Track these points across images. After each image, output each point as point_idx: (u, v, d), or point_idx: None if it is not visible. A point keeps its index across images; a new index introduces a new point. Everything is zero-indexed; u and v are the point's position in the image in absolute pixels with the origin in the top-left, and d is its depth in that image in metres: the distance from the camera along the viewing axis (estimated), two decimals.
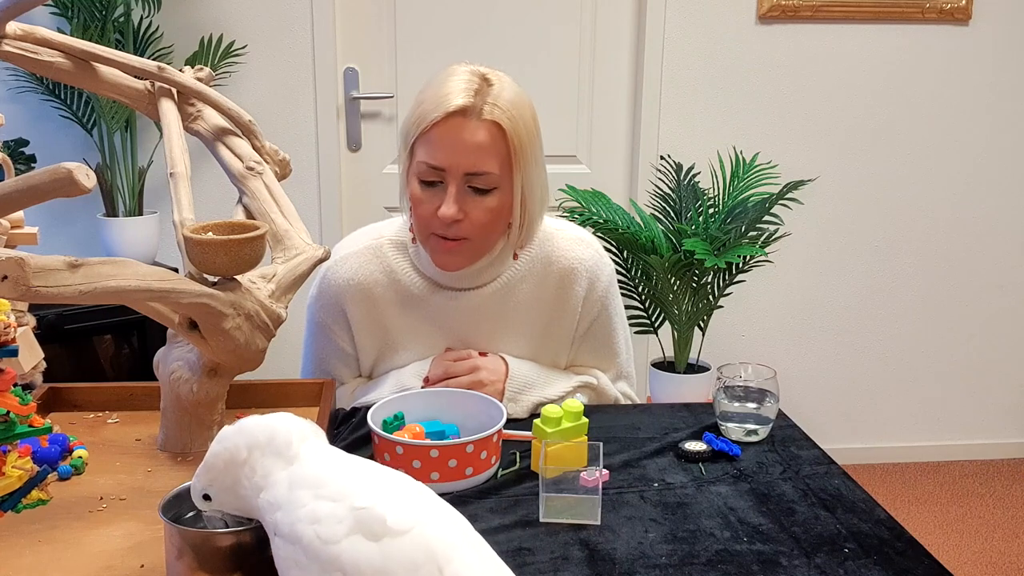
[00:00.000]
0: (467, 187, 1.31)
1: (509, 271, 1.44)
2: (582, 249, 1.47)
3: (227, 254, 1.02)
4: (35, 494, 1.04)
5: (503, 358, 1.42)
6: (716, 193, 2.58)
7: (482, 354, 1.42)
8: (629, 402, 1.55)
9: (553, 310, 1.46)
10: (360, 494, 0.75)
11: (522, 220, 1.37)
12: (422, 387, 1.39)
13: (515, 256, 1.43)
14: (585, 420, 1.19)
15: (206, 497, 0.83)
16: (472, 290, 1.43)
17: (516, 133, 1.30)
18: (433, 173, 1.31)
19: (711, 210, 2.53)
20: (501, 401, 1.33)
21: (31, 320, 1.13)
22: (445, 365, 1.40)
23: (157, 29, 2.54)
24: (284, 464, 0.79)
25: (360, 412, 1.37)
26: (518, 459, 1.23)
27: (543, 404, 1.37)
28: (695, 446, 1.26)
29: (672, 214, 2.57)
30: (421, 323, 1.44)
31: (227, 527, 0.84)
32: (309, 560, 0.72)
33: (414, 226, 1.38)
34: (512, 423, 1.32)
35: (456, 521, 0.77)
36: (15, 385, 1.03)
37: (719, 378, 1.32)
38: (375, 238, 1.46)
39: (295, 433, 0.80)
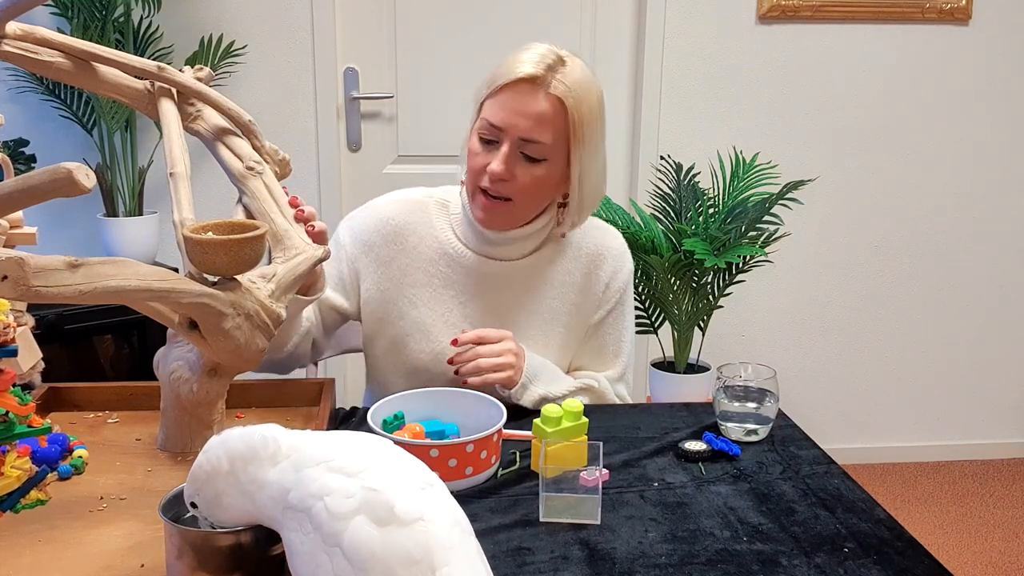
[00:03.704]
0: (519, 152, 1.36)
1: (541, 251, 1.49)
2: (611, 238, 1.55)
3: (227, 254, 1.02)
4: (34, 494, 1.04)
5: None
6: (716, 193, 2.58)
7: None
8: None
9: (576, 294, 1.50)
10: (372, 473, 0.75)
11: (579, 198, 1.43)
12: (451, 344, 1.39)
13: (562, 236, 1.49)
14: (585, 420, 1.19)
15: (193, 505, 0.83)
16: (502, 261, 1.47)
17: (578, 112, 1.36)
18: (492, 132, 1.37)
19: (711, 210, 2.53)
20: (515, 386, 1.36)
21: (29, 320, 1.13)
22: (482, 331, 1.40)
23: (157, 29, 2.55)
24: (273, 464, 0.79)
25: (360, 412, 1.37)
26: (518, 459, 1.23)
27: (546, 399, 1.39)
28: (695, 446, 1.26)
29: (672, 214, 2.57)
30: (443, 283, 1.48)
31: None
32: (314, 529, 0.73)
33: (466, 176, 1.45)
34: (512, 418, 1.32)
35: (458, 519, 0.77)
36: (14, 385, 1.03)
37: (719, 378, 1.32)
38: (424, 195, 1.53)
39: (281, 436, 0.81)
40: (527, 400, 1.39)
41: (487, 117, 1.37)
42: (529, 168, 1.37)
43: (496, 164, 1.36)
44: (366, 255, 1.49)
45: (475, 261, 1.48)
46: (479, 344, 1.37)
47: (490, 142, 1.38)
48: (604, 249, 1.52)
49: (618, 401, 1.54)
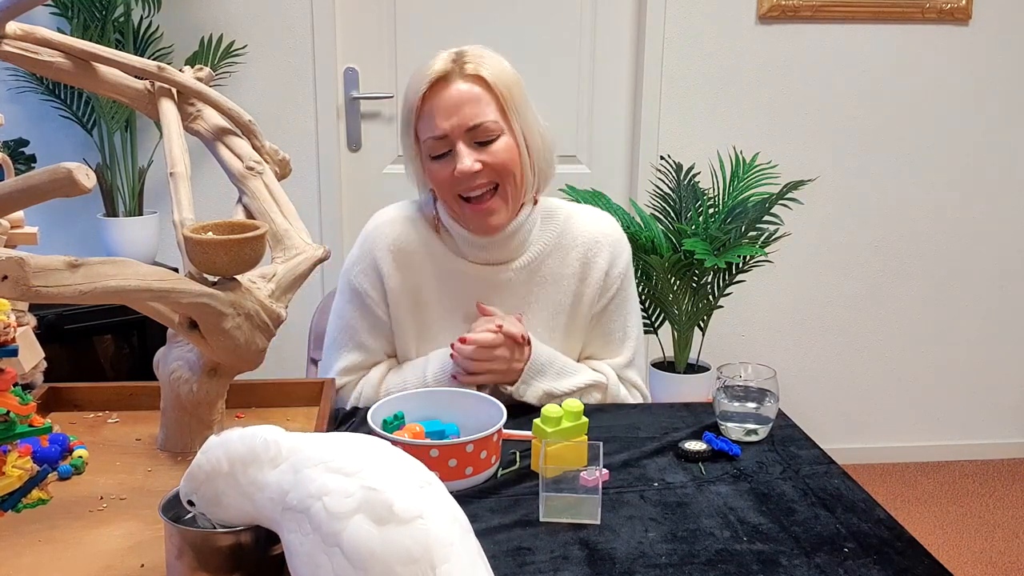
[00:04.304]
0: (474, 143, 1.37)
1: (535, 246, 1.49)
2: (606, 224, 1.54)
3: (227, 254, 1.02)
4: (35, 494, 1.04)
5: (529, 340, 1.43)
6: (716, 193, 2.58)
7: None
8: (637, 391, 1.55)
9: (577, 284, 1.50)
10: (370, 472, 0.75)
11: (531, 163, 1.43)
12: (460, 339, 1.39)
13: (535, 201, 1.49)
14: (585, 420, 1.19)
15: (191, 503, 0.83)
16: (499, 265, 1.47)
17: (500, 79, 1.39)
18: (440, 144, 1.38)
19: (711, 210, 2.53)
20: (516, 382, 1.38)
21: (31, 320, 1.14)
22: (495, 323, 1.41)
23: (157, 29, 2.55)
24: (273, 467, 0.79)
25: (360, 412, 1.37)
26: (518, 459, 1.23)
27: (551, 395, 1.40)
28: (695, 446, 1.26)
29: (672, 214, 2.57)
30: (453, 299, 1.47)
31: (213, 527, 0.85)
32: (313, 529, 0.73)
33: (440, 199, 1.45)
34: (512, 418, 1.32)
35: (457, 517, 0.77)
36: (15, 385, 1.03)
37: (719, 378, 1.32)
38: (413, 210, 1.52)
39: (281, 438, 0.81)
40: (530, 396, 1.39)
41: (428, 135, 1.39)
42: (492, 148, 1.38)
43: (462, 163, 1.36)
44: (383, 288, 1.47)
45: (474, 270, 1.47)
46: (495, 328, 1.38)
47: (443, 155, 1.39)
48: (600, 235, 1.52)
49: (628, 397, 1.53)
